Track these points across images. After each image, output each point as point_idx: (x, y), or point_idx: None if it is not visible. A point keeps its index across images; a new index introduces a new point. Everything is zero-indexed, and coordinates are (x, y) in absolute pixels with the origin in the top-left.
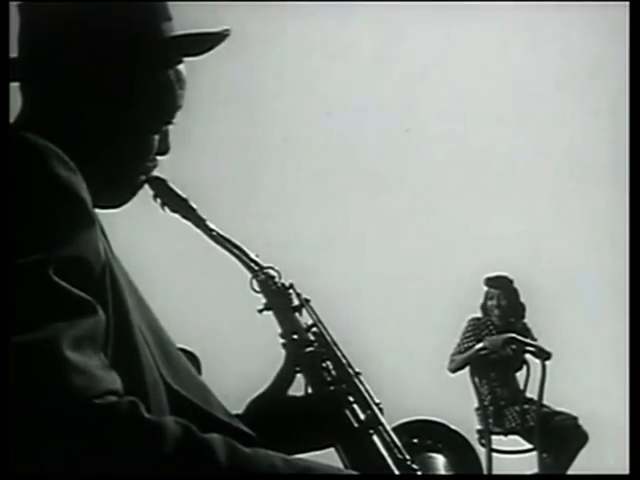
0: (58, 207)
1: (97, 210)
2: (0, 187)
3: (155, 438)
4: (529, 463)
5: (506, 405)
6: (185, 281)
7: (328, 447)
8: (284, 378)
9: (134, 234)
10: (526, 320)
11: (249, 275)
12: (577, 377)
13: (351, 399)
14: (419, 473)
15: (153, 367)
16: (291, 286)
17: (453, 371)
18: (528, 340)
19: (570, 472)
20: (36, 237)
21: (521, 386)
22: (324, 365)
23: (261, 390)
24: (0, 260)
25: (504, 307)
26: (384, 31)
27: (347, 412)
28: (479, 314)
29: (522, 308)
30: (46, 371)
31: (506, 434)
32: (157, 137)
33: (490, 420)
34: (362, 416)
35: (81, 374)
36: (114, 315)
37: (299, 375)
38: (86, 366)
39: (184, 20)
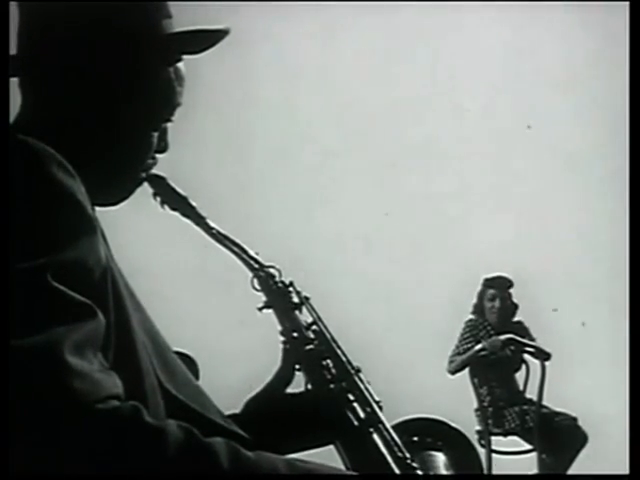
0: (57, 212)
1: (95, 207)
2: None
3: (158, 443)
4: (529, 464)
5: (505, 406)
6: (184, 279)
7: (327, 445)
8: (283, 376)
9: (133, 233)
10: (523, 320)
11: (249, 273)
12: (576, 377)
13: (351, 397)
14: (419, 472)
15: (151, 371)
16: (291, 284)
17: (453, 373)
18: (527, 341)
19: (570, 472)
20: (35, 242)
21: (520, 387)
22: (324, 363)
23: (260, 388)
24: (0, 265)
25: (505, 308)
26: (386, 32)
27: (347, 410)
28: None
29: (515, 308)
30: (47, 375)
31: (506, 435)
32: (156, 134)
33: (490, 421)
34: (362, 414)
35: (82, 378)
36: (115, 319)
37: (299, 373)
38: (87, 370)
39: (184, 18)
